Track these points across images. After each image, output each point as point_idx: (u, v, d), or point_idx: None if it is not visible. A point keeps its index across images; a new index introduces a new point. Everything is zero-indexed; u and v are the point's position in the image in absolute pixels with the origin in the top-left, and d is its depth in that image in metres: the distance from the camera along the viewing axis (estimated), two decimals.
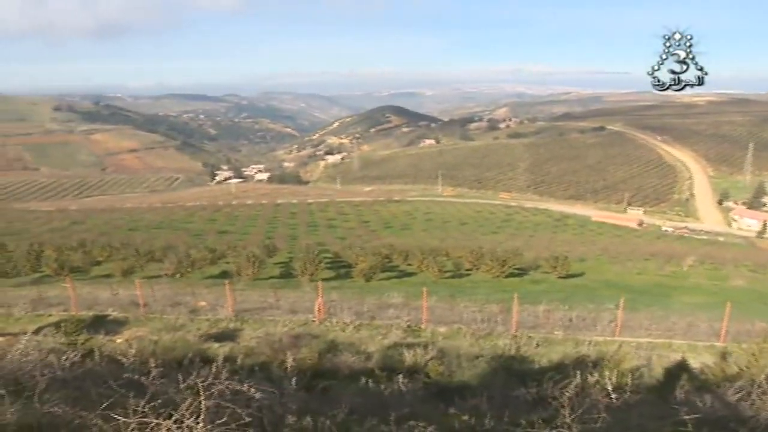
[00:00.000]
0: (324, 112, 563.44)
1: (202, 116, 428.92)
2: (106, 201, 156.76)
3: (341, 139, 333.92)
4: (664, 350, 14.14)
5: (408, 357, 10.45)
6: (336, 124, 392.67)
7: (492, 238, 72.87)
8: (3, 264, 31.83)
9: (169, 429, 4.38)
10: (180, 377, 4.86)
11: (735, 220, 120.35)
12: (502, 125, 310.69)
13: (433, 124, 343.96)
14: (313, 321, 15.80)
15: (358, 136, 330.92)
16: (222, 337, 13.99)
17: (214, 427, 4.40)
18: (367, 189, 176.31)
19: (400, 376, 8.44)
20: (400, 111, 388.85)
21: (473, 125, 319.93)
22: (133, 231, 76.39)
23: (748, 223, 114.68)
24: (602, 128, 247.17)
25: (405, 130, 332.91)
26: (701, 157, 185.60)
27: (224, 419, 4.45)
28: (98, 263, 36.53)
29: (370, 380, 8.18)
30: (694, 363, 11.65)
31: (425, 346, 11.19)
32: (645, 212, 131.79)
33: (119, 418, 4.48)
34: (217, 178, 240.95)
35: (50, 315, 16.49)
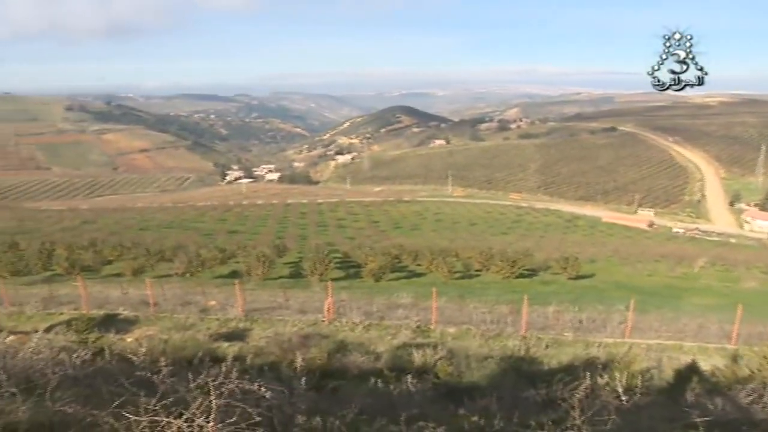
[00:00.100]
0: (334, 112, 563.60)
1: (213, 116, 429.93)
2: (117, 200, 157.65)
3: (351, 139, 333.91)
4: (675, 352, 14.06)
5: (417, 357, 10.44)
6: (346, 124, 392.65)
7: (502, 238, 72.73)
8: (15, 262, 32.06)
9: (179, 428, 4.40)
10: (190, 376, 4.87)
11: (747, 222, 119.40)
12: (513, 126, 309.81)
13: (443, 125, 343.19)
14: (323, 321, 15.82)
15: (368, 136, 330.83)
16: (232, 336, 14.03)
17: (224, 426, 4.41)
18: (377, 189, 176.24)
19: (409, 376, 8.42)
20: (410, 111, 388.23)
21: (484, 125, 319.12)
22: (144, 230, 76.76)
23: (760, 225, 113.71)
24: (613, 129, 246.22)
25: (415, 130, 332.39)
26: (713, 158, 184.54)
27: (234, 418, 4.46)
28: (109, 262, 36.75)
29: (379, 380, 8.17)
30: (705, 365, 11.57)
31: (434, 347, 11.18)
32: (656, 213, 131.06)
33: (130, 416, 4.50)
34: (228, 178, 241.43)
35: (61, 313, 16.60)
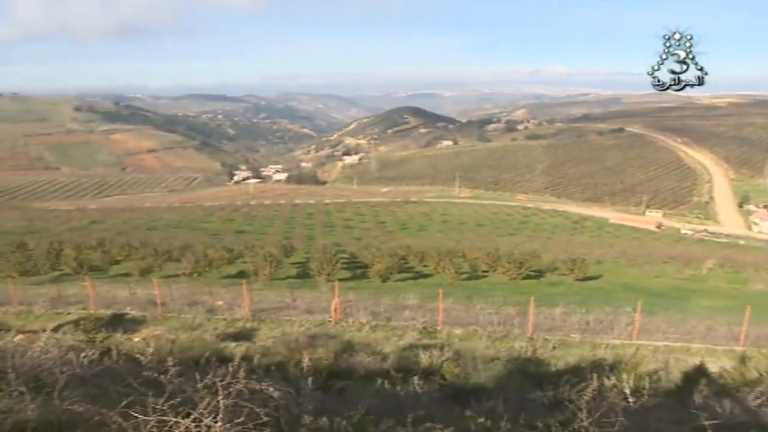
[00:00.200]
0: (342, 112, 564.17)
1: (220, 116, 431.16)
2: (125, 200, 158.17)
3: (359, 139, 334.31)
4: (682, 354, 14.00)
5: (424, 358, 10.43)
6: (354, 125, 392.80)
7: (509, 239, 72.61)
8: (24, 262, 32.21)
9: (187, 428, 4.41)
10: (197, 376, 4.88)
11: (756, 224, 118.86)
12: (521, 127, 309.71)
13: (450, 126, 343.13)
14: (330, 321, 15.83)
15: (375, 136, 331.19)
16: (239, 336, 14.06)
17: (231, 426, 4.41)
18: (384, 190, 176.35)
19: (416, 377, 8.42)
20: (417, 112, 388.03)
21: (491, 126, 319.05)
22: (152, 230, 76.97)
23: None
24: (621, 130, 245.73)
25: (422, 131, 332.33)
26: (722, 159, 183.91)
27: (242, 419, 4.46)
28: (117, 262, 36.88)
29: (385, 381, 8.17)
30: (713, 367, 11.52)
31: (441, 348, 11.18)
32: (664, 215, 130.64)
33: (138, 416, 4.51)
34: (236, 178, 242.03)
35: (69, 313, 16.68)
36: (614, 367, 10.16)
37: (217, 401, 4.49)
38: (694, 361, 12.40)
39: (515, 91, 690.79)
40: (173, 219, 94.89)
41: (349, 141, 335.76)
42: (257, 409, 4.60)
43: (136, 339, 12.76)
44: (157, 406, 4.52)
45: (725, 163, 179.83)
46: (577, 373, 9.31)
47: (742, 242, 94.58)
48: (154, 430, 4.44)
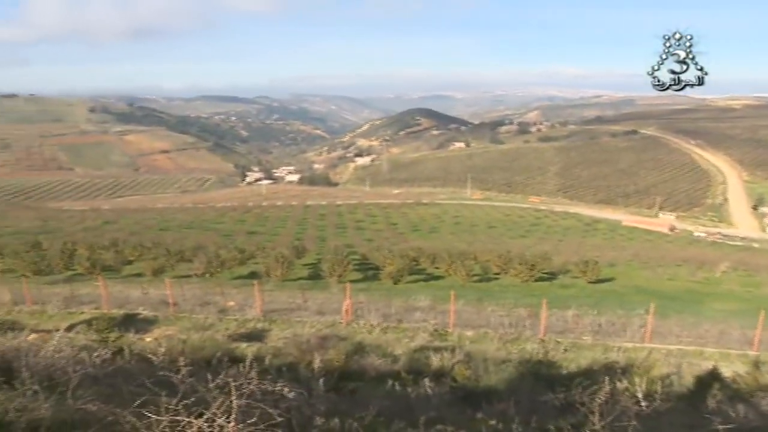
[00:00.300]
0: (354, 114, 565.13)
1: (233, 118, 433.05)
2: (138, 201, 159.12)
3: (371, 141, 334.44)
4: (695, 358, 13.92)
5: (435, 360, 10.43)
6: (366, 127, 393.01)
7: (521, 241, 72.36)
8: (37, 262, 32.40)
9: (200, 428, 4.42)
10: (209, 376, 4.90)
11: None
12: (533, 128, 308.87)
13: (463, 127, 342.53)
14: (341, 322, 15.85)
15: (387, 138, 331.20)
16: (250, 337, 14.11)
17: (244, 427, 4.42)
18: (396, 191, 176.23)
19: (427, 379, 8.43)
20: (430, 114, 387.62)
21: (503, 128, 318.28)
22: (164, 231, 77.31)
23: None
24: (634, 132, 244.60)
25: (435, 133, 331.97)
26: (736, 161, 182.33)
27: (254, 419, 4.47)
28: (129, 262, 37.03)
29: (396, 383, 8.17)
30: (726, 371, 11.44)
31: (452, 350, 11.17)
32: (677, 217, 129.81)
33: (151, 415, 4.53)
34: (248, 179, 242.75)
35: (82, 312, 16.79)
36: (626, 371, 10.11)
37: (230, 401, 4.50)
38: (707, 365, 12.32)
39: (528, 93, 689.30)
40: (186, 219, 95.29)
41: (362, 142, 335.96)
42: (270, 410, 4.62)
43: (148, 339, 12.83)
44: (170, 406, 4.53)
45: (739, 165, 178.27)
46: (589, 375, 9.27)
47: (756, 245, 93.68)
48: (167, 429, 4.45)
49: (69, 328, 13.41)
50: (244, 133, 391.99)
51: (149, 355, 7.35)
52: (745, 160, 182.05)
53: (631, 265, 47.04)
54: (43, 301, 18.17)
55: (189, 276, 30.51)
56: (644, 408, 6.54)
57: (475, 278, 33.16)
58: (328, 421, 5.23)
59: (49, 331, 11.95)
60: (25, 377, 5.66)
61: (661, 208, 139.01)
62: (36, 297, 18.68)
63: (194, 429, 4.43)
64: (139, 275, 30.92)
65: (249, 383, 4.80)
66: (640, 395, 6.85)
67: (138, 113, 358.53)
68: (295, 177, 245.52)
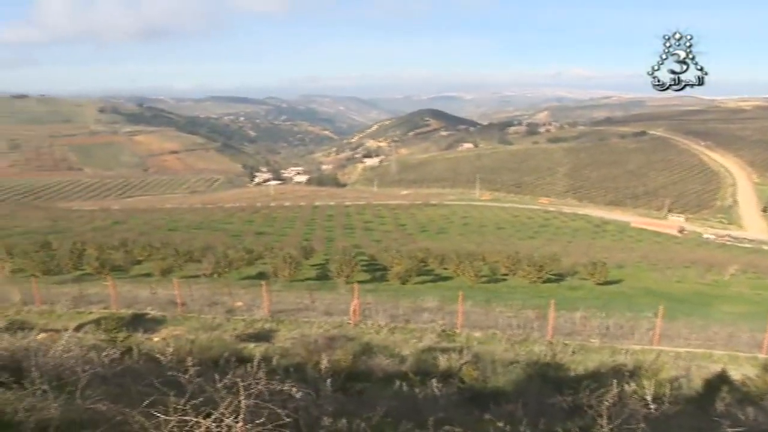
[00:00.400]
0: (363, 115, 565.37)
1: (242, 118, 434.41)
2: (147, 201, 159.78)
3: (379, 142, 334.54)
4: (704, 361, 13.84)
5: (442, 361, 10.42)
6: (375, 127, 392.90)
7: (529, 243, 72.22)
8: (47, 262, 32.54)
9: (208, 428, 4.43)
10: (217, 376, 4.91)
11: None
12: (542, 129, 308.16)
13: (471, 128, 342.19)
14: (348, 323, 15.85)
15: (396, 139, 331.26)
16: (258, 337, 14.13)
17: (252, 427, 4.43)
18: (405, 192, 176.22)
19: (434, 380, 8.41)
20: (438, 115, 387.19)
21: (512, 129, 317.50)
22: (173, 231, 77.61)
23: None
24: (644, 133, 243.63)
25: (443, 133, 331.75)
26: (746, 163, 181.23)
27: (262, 419, 4.48)
28: (138, 262, 37.13)
29: (404, 384, 8.17)
30: (735, 374, 11.39)
31: (460, 351, 11.16)
32: (686, 219, 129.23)
33: (160, 415, 4.54)
34: (257, 180, 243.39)
35: (91, 312, 16.84)
36: (635, 373, 10.08)
37: (238, 402, 4.51)
38: (716, 368, 12.26)
39: (537, 94, 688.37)
40: (194, 220, 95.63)
41: (370, 143, 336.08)
42: (278, 410, 4.62)
43: (156, 339, 12.87)
44: (178, 406, 4.55)
45: (749, 166, 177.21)
46: (596, 378, 9.25)
47: (765, 247, 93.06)
48: (175, 429, 4.46)
49: (78, 328, 13.47)
50: (253, 134, 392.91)
51: (157, 355, 7.39)
52: (755, 161, 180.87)
53: (639, 267, 46.87)
54: (52, 300, 18.24)
55: (197, 276, 30.57)
56: (653, 411, 6.51)
57: (484, 279, 33.09)
58: (335, 421, 5.23)
59: (58, 331, 12.01)
60: (34, 377, 5.68)
61: (670, 210, 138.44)
62: (45, 297, 18.75)
63: (202, 429, 4.44)
64: (147, 275, 31.00)
65: (257, 383, 4.81)
66: (648, 398, 6.82)
67: (147, 114, 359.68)
68: (303, 178, 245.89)
